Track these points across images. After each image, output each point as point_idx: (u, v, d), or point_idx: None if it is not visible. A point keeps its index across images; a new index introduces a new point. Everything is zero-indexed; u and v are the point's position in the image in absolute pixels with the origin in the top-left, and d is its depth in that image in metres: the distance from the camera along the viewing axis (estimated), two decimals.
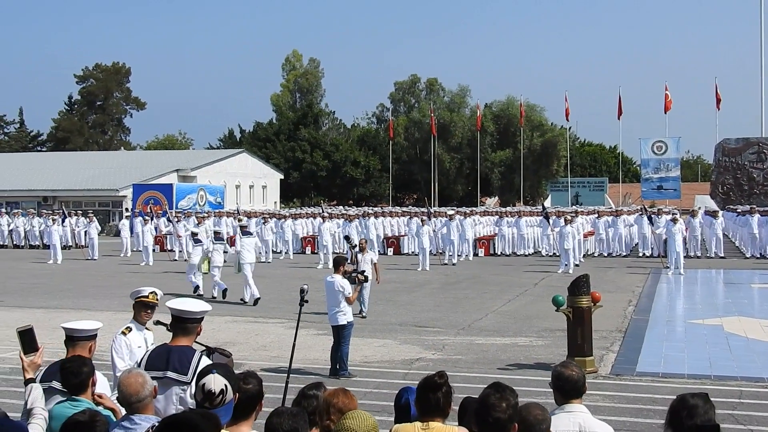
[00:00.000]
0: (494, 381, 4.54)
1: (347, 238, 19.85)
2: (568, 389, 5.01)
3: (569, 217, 30.17)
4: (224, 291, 21.54)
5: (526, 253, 35.93)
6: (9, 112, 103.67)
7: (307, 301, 9.63)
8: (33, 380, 5.41)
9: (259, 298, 20.47)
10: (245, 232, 22.58)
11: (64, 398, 5.45)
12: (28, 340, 5.50)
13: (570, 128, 74.02)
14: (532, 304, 20.31)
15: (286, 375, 8.50)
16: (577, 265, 28.54)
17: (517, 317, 18.16)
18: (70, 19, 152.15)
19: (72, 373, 5.26)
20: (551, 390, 5.12)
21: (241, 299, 20.86)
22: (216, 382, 4.58)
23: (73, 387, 5.26)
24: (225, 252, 22.53)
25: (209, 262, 22.12)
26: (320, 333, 15.55)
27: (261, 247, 27.43)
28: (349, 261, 16.04)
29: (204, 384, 4.58)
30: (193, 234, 24.26)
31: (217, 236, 23.11)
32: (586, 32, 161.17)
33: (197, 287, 22.40)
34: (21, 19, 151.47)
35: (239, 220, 33.56)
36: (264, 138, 78.48)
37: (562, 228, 28.85)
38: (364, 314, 17.93)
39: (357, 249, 18.43)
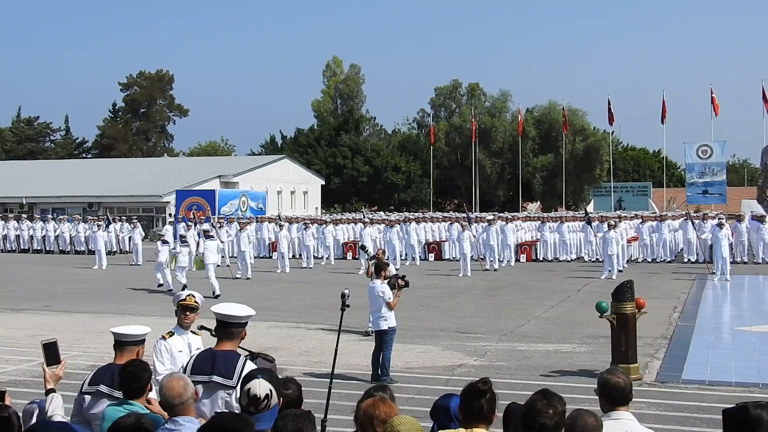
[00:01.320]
0: (542, 388, 4.49)
1: (363, 247, 19.27)
2: (614, 396, 4.95)
3: (613, 222, 29.86)
4: (184, 286, 23.01)
5: (569, 259, 35.64)
6: (55, 120, 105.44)
7: (348, 306, 9.61)
8: (53, 390, 5.49)
9: (219, 295, 22.77)
10: (208, 236, 25.89)
11: (114, 402, 5.51)
12: (51, 352, 5.60)
13: (613, 132, 73.35)
14: (575, 310, 20.12)
15: (328, 380, 8.48)
16: (620, 271, 28.23)
17: (559, 323, 18.01)
18: (114, 28, 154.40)
19: (134, 378, 5.31)
20: (596, 397, 5.06)
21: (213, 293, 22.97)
22: (261, 387, 4.62)
23: (132, 391, 5.30)
24: (189, 253, 25.45)
25: (175, 261, 24.52)
26: (362, 338, 15.56)
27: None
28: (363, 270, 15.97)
29: (249, 389, 4.61)
30: (160, 236, 27.84)
31: (183, 240, 25.73)
32: (628, 35, 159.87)
33: (161, 284, 25.10)
34: (66, 29, 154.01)
35: (279, 226, 33.75)
36: (305, 144, 78.81)
37: (606, 233, 28.57)
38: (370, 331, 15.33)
39: (374, 260, 16.40)
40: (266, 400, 4.60)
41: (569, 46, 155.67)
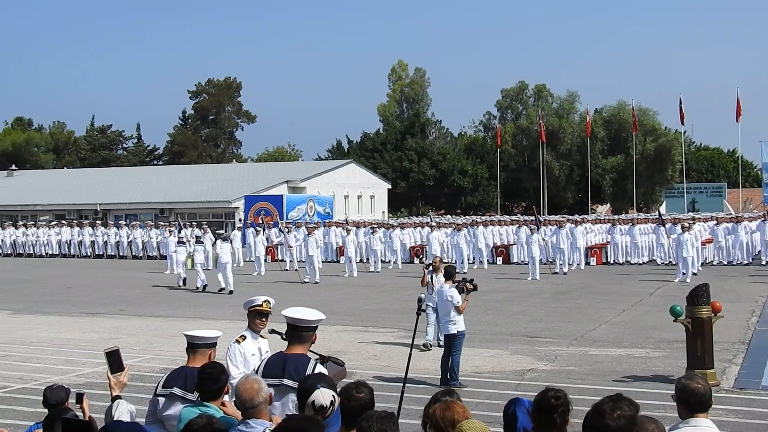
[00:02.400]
0: (617, 392, 4.40)
1: (418, 255, 18.90)
2: (693, 403, 4.82)
3: (687, 224, 29.28)
4: (204, 286, 26.81)
5: (641, 262, 35.05)
6: (127, 128, 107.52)
7: (424, 310, 9.63)
8: (119, 397, 5.55)
9: (232, 291, 25.65)
10: (223, 238, 28.32)
11: (190, 403, 5.57)
12: (115, 360, 5.67)
13: (685, 132, 71.96)
14: (648, 314, 19.77)
15: (399, 384, 8.45)
16: (695, 274, 27.67)
17: (632, 328, 17.71)
18: (183, 37, 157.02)
19: (212, 380, 5.36)
20: (670, 403, 4.95)
21: (220, 290, 25.96)
22: (324, 396, 4.65)
23: (209, 393, 5.34)
24: (204, 252, 28.57)
25: (192, 260, 27.77)
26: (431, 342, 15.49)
27: (237, 250, 34.70)
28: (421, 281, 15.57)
29: (314, 401, 4.65)
30: (180, 239, 30.94)
31: (198, 240, 28.97)
32: (699, 32, 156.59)
33: (185, 280, 27.83)
34: (137, 39, 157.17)
35: (347, 230, 33.87)
36: (371, 148, 78.99)
37: (680, 235, 28.02)
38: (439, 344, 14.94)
39: (431, 268, 15.88)
40: (331, 407, 4.63)
41: (638, 44, 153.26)
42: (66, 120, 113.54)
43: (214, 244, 31.35)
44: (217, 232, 31.52)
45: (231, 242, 29.59)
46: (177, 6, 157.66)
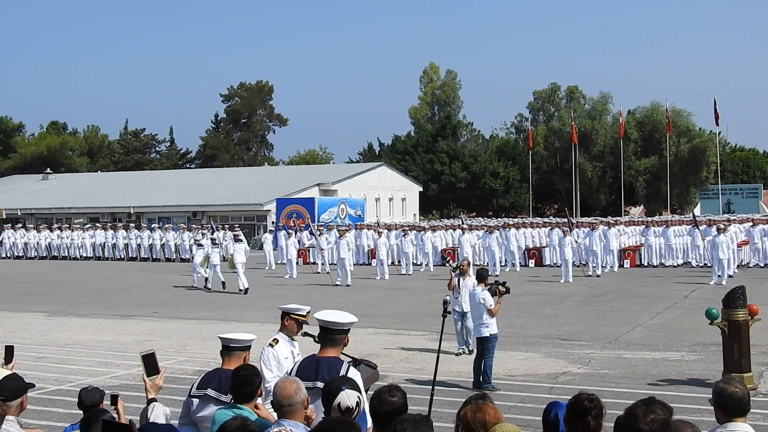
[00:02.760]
0: (651, 396, 4.35)
1: (444, 258, 18.55)
2: (731, 407, 4.75)
3: (722, 226, 28.95)
4: (223, 283, 28.13)
5: (675, 264, 34.71)
6: (160, 132, 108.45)
7: (450, 312, 9.59)
8: (155, 400, 5.57)
9: (248, 288, 26.78)
10: (237, 239, 29.81)
11: (223, 405, 5.59)
12: (150, 363, 5.70)
13: (720, 133, 71.06)
14: (683, 317, 19.57)
15: (430, 387, 8.42)
16: (731, 276, 27.35)
17: (667, 330, 17.54)
18: (215, 42, 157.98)
19: (245, 382, 5.38)
20: (707, 407, 4.89)
21: (240, 290, 26.86)
22: (350, 398, 4.65)
23: (243, 395, 5.37)
24: (219, 254, 29.49)
25: (208, 261, 28.67)
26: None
27: (269, 253, 36.82)
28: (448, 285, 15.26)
29: (339, 402, 4.65)
30: (196, 240, 32.53)
31: (214, 242, 29.87)
32: (734, 32, 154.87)
33: (206, 279, 28.69)
34: (170, 43, 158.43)
35: (378, 233, 33.87)
36: (403, 151, 78.98)
37: (715, 237, 27.72)
38: (471, 348, 14.74)
39: (458, 271, 15.30)
40: (357, 408, 4.62)
41: (671, 45, 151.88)
42: (100, 124, 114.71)
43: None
44: (233, 233, 32.50)
45: (244, 242, 30.54)
46: (210, 10, 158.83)
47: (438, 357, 9.38)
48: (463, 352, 14.97)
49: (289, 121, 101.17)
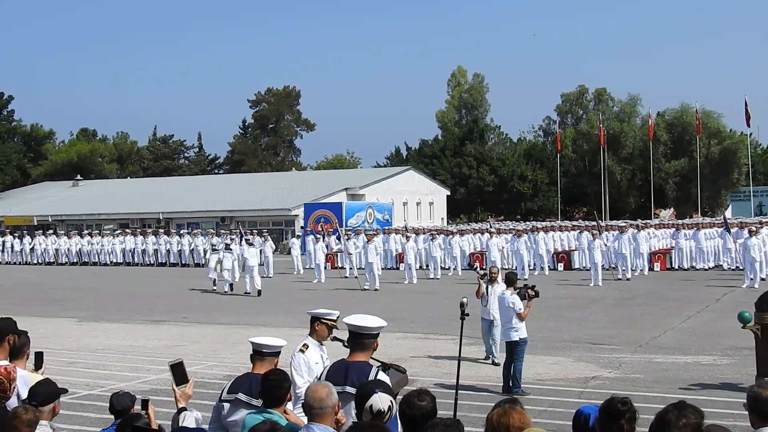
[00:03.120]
0: (679, 400, 4.31)
1: (470, 265, 17.59)
2: (766, 411, 4.70)
3: (754, 228, 28.64)
4: (231, 285, 29.42)
5: (706, 267, 34.38)
6: (189, 138, 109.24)
7: (468, 315, 9.61)
8: (185, 408, 5.60)
9: (260, 290, 27.95)
10: (249, 243, 30.78)
11: (254, 410, 5.60)
12: (179, 372, 5.72)
13: (751, 134, 70.38)
14: (715, 320, 19.38)
15: (462, 391, 8.40)
16: (763, 279, 27.03)
17: (698, 334, 17.37)
18: (242, 47, 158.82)
19: (275, 386, 5.39)
20: (740, 412, 4.84)
21: (245, 292, 28.08)
22: (382, 401, 4.63)
23: (272, 400, 5.38)
24: (233, 259, 30.44)
25: (221, 265, 30.08)
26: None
27: (297, 258, 37.78)
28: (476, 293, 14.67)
29: (372, 405, 4.63)
30: (213, 246, 33.77)
31: (227, 247, 31.13)
32: (764, 31, 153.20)
33: (215, 281, 30.23)
34: (197, 49, 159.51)
35: (406, 237, 33.84)
36: (430, 155, 78.96)
37: (747, 240, 27.42)
38: (496, 361, 14.47)
39: (487, 278, 14.85)
40: (389, 412, 4.61)
41: (700, 45, 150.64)
42: (129, 130, 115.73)
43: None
44: (245, 237, 33.32)
45: (256, 246, 32.18)
46: (236, 16, 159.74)
47: (459, 361, 9.41)
48: (492, 362, 14.58)
49: (316, 126, 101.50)
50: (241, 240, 38.95)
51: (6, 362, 6.27)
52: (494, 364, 14.26)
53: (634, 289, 27.30)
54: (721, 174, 69.45)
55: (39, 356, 6.74)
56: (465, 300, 9.72)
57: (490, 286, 14.49)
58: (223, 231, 46.41)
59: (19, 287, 33.30)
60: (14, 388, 5.98)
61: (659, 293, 25.80)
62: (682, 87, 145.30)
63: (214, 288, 30.12)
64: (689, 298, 23.94)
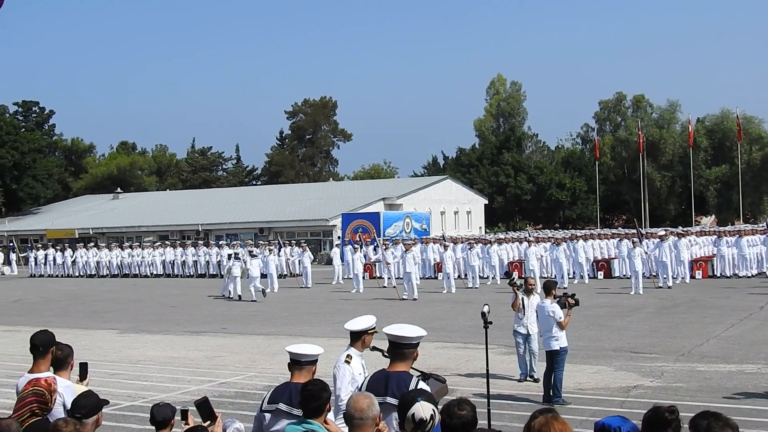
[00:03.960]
0: (704, 410, 4.24)
1: (507, 273, 15.56)
2: None
3: None
4: (263, 291, 31.50)
5: (749, 275, 33.89)
6: (227, 150, 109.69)
7: (491, 323, 9.65)
8: None
9: (241, 296, 31.09)
10: (252, 255, 33.09)
11: (294, 420, 5.61)
12: (205, 410, 5.76)
13: None
14: (759, 328, 19.09)
15: (501, 401, 8.36)
16: None
17: (742, 343, 17.11)
18: (278, 59, 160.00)
19: (313, 396, 5.38)
20: None
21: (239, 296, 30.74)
22: (424, 410, 4.62)
23: (311, 410, 5.37)
24: (240, 267, 32.29)
25: (247, 273, 31.71)
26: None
27: (337, 267, 38.18)
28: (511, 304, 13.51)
29: (414, 413, 4.62)
30: (235, 254, 34.88)
31: (252, 254, 33.14)
32: None
33: (230, 292, 31.80)
34: (233, 62, 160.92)
35: (444, 246, 33.77)
36: (467, 163, 78.87)
37: None
38: (535, 377, 13.68)
39: (522, 289, 13.76)
40: (431, 421, 4.59)
41: (740, 50, 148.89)
42: (168, 143, 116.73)
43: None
44: (249, 249, 35.85)
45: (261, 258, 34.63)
46: (272, 29, 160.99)
47: (488, 370, 9.39)
48: (525, 379, 13.67)
49: (353, 137, 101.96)
50: (279, 250, 39.26)
51: (49, 374, 6.36)
52: (534, 380, 13.49)
53: (675, 297, 26.98)
54: (763, 180, 68.63)
55: (83, 367, 6.82)
56: (486, 308, 9.76)
57: (526, 298, 13.62)
58: (261, 242, 46.64)
59: (62, 300, 33.73)
60: (55, 399, 6.04)
61: (701, 301, 25.48)
62: (722, 92, 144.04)
63: (239, 296, 31.20)
64: (732, 306, 23.61)
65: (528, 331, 13.51)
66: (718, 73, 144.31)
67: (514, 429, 9.71)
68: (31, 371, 6.45)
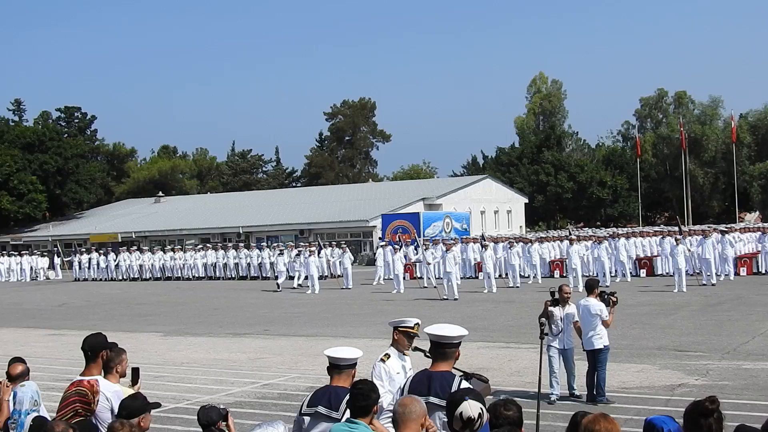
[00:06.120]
0: (741, 423, 4.22)
1: (552, 294, 12.46)
2: None
3: None
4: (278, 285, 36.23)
5: None
6: (266, 152, 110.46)
7: (547, 334, 9.60)
8: None
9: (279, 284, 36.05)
10: (281, 253, 38.42)
11: (331, 423, 5.63)
12: (136, 376, 5.82)
13: None
14: None
15: (544, 401, 8.33)
16: None
17: None
18: (317, 61, 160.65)
19: (361, 395, 5.38)
20: None
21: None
22: (473, 408, 4.61)
23: (358, 409, 5.37)
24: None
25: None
26: (576, 357, 15.18)
27: (380, 268, 38.67)
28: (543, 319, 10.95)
29: (462, 412, 4.61)
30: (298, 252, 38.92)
31: (281, 253, 38.13)
32: None
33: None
34: (272, 64, 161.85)
35: (484, 246, 33.69)
36: (507, 162, 78.55)
37: None
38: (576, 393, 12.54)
39: (555, 297, 12.35)
40: (479, 420, 4.58)
41: None
42: (208, 146, 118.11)
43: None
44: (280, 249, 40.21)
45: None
46: (310, 30, 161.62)
47: (540, 373, 9.34)
48: (557, 399, 12.28)
49: (392, 137, 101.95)
50: (320, 251, 39.32)
51: (97, 377, 6.42)
52: (576, 396, 12.38)
53: (719, 294, 26.65)
54: None
55: (135, 372, 6.88)
56: (544, 320, 9.74)
57: (557, 309, 12.27)
58: (302, 243, 46.83)
59: (106, 303, 34.16)
60: (98, 401, 6.11)
61: (746, 298, 25.14)
62: (765, 88, 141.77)
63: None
64: None
65: (564, 345, 12.40)
66: (760, 68, 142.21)
67: (558, 429, 9.68)
68: (82, 374, 6.52)
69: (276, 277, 38.53)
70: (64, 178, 77.78)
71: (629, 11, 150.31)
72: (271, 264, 43.27)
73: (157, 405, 5.87)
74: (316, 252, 38.31)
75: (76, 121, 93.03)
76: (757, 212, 71.84)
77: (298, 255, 38.85)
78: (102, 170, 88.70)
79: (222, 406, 5.85)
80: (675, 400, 11.64)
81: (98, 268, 52.64)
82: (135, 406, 5.63)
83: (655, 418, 4.70)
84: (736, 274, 33.01)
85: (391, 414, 5.02)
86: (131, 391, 6.32)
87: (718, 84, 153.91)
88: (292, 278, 38.68)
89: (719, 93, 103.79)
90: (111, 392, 6.36)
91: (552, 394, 12.18)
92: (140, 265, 50.90)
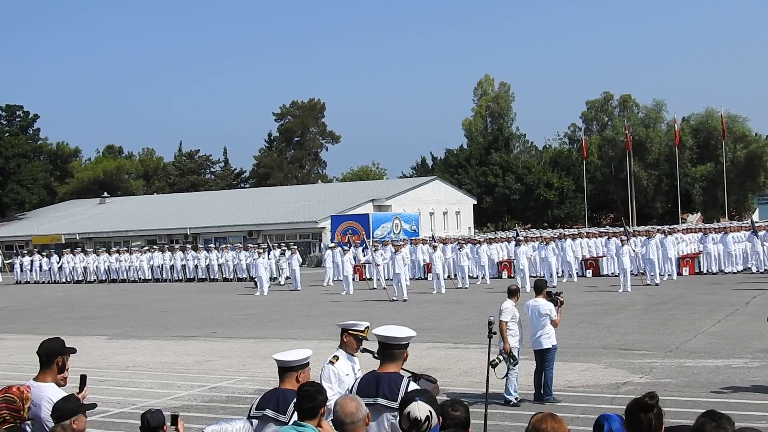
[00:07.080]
0: (708, 409, 4.30)
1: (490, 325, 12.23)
2: None
3: None
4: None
5: (735, 271, 34.09)
6: (214, 152, 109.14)
7: (495, 333, 9.74)
8: None
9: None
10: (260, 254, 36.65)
11: (283, 425, 5.60)
12: (83, 383, 5.84)
13: None
14: (745, 323, 19.21)
15: (493, 401, 8.41)
16: None
17: (728, 338, 17.23)
18: (266, 61, 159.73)
19: (308, 397, 5.35)
20: None
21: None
22: (420, 409, 4.61)
23: (305, 411, 5.34)
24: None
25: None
26: (523, 358, 15.32)
27: (329, 270, 38.44)
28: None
29: (409, 412, 4.62)
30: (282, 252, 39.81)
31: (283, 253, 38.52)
32: None
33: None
34: (221, 64, 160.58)
35: (433, 247, 33.82)
36: (455, 164, 78.93)
37: None
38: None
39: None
40: (427, 422, 4.59)
41: (725, 49, 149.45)
42: (155, 146, 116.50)
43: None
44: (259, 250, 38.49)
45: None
46: (260, 31, 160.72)
47: (488, 375, 9.44)
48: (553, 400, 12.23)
49: (341, 138, 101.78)
50: (268, 253, 39.13)
51: (41, 383, 6.24)
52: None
53: (663, 294, 27.12)
54: (748, 178, 69.10)
55: (83, 379, 6.72)
56: (492, 318, 9.87)
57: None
58: (250, 245, 46.57)
59: (49, 306, 33.61)
60: (29, 408, 5.97)
61: (688, 297, 25.62)
62: (706, 92, 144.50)
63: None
64: (718, 302, 23.75)
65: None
66: (703, 72, 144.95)
67: (506, 428, 9.77)
68: (35, 379, 6.31)
69: (251, 278, 38.61)
70: (5, 179, 76.18)
71: (576, 15, 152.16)
72: (247, 266, 42.57)
73: (93, 406, 5.78)
74: (265, 253, 38.12)
75: (18, 119, 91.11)
76: (699, 213, 73.19)
77: (282, 254, 39.79)
78: (45, 170, 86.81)
79: (169, 413, 5.79)
80: (620, 399, 11.82)
81: (41, 270, 51.79)
82: (67, 408, 5.54)
83: (603, 415, 4.78)
84: (679, 274, 33.59)
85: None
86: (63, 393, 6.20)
87: (662, 88, 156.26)
88: (273, 279, 38.60)
89: (663, 97, 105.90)
90: (49, 393, 6.17)
91: (516, 396, 12.26)
92: (85, 267, 50.16)
